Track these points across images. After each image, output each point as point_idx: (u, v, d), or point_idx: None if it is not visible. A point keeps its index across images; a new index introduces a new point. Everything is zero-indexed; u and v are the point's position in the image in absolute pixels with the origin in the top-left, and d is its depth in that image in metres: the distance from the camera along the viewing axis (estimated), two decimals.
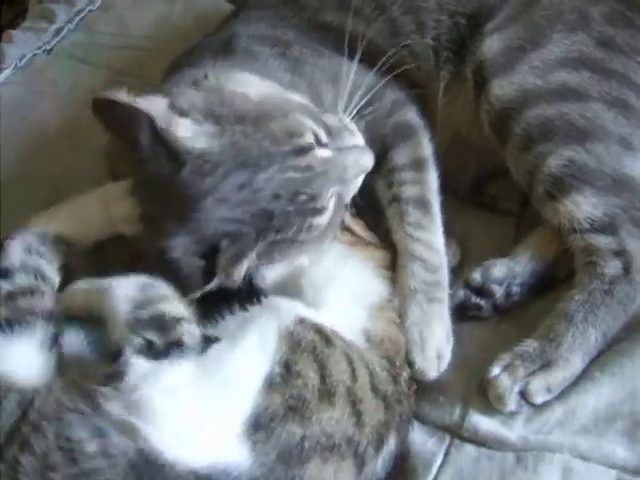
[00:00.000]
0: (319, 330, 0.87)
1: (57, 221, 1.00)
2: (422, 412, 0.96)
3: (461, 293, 1.04)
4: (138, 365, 0.81)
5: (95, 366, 0.86)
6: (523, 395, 0.92)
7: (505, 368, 0.94)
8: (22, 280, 0.92)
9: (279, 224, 0.90)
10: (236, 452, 0.77)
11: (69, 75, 1.50)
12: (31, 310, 0.89)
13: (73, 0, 1.65)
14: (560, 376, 0.93)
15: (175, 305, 0.88)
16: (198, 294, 0.90)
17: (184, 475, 0.74)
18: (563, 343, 0.94)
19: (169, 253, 0.89)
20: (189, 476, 0.75)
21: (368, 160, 0.96)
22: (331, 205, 0.94)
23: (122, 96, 0.88)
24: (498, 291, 1.03)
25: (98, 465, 0.75)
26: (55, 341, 0.88)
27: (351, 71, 1.03)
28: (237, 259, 0.91)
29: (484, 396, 0.94)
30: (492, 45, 1.10)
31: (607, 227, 0.98)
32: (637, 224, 0.99)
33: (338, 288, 0.96)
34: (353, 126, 0.99)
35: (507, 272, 1.04)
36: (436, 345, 0.97)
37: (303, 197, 0.90)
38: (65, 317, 0.92)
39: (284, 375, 0.82)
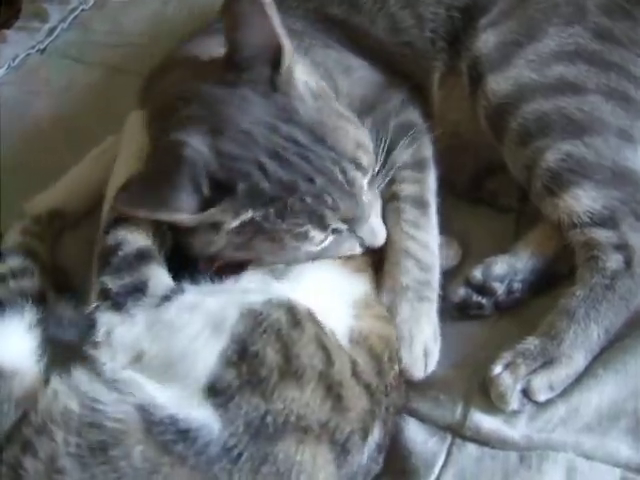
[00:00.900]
0: (289, 311, 0.86)
1: (50, 198, 1.10)
2: (423, 411, 0.95)
3: (462, 291, 1.03)
4: (105, 315, 0.85)
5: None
6: (525, 393, 0.91)
7: (507, 366, 0.93)
8: (14, 262, 0.97)
9: (289, 207, 0.89)
10: (200, 411, 0.79)
11: (63, 74, 1.49)
12: (21, 291, 0.92)
13: None
14: (563, 373, 0.92)
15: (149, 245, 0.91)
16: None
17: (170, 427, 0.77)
18: (565, 340, 0.93)
19: (180, 149, 0.88)
20: (170, 428, 0.77)
21: (381, 240, 0.98)
22: (327, 240, 0.94)
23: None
24: (499, 288, 1.02)
25: (109, 470, 0.75)
26: (44, 322, 0.90)
27: (362, 67, 1.03)
28: (239, 210, 0.89)
29: (486, 395, 0.93)
30: (487, 40, 1.09)
31: (607, 220, 0.97)
32: (638, 217, 0.98)
33: (318, 282, 0.96)
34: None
35: (508, 269, 1.03)
36: (424, 343, 0.96)
37: (327, 200, 0.90)
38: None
39: (240, 353, 0.82)
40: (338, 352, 0.86)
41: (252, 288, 0.91)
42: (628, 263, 0.96)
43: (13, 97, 1.47)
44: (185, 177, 0.88)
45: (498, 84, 1.06)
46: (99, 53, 1.52)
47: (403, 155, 1.04)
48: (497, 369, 0.93)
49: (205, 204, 0.88)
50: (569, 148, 1.00)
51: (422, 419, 0.94)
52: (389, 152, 1.03)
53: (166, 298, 0.87)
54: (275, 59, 0.90)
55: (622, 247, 0.96)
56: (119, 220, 0.92)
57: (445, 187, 1.07)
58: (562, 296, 0.97)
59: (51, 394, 0.81)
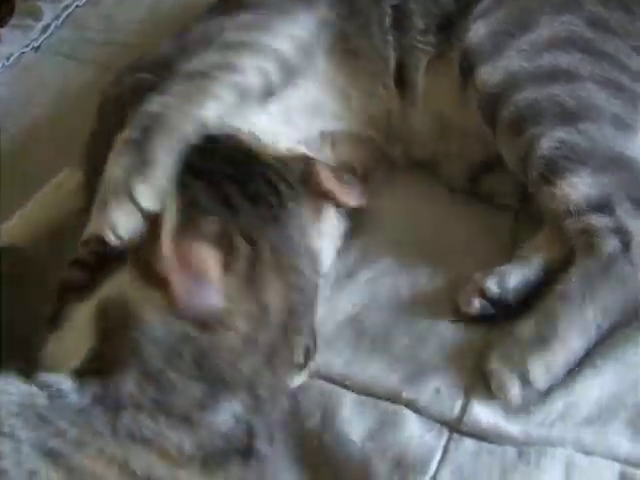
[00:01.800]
0: None
1: (6, 233, 1.10)
2: (421, 404, 0.94)
3: (477, 303, 1.00)
4: None
5: None
6: (525, 380, 0.90)
7: (503, 356, 0.92)
8: None
9: None
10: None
11: (57, 72, 1.49)
12: None
13: None
14: (559, 354, 0.91)
15: None
16: None
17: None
18: (559, 321, 0.92)
19: None
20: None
21: None
22: None
23: None
24: (513, 299, 1.00)
25: None
26: None
27: None
28: None
29: (486, 387, 0.92)
30: (478, 31, 1.08)
31: (604, 206, 0.96)
32: (635, 202, 0.97)
33: None
34: None
35: (522, 280, 1.01)
36: None
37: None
38: None
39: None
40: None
41: None
42: (625, 246, 0.95)
43: (8, 96, 1.47)
44: None
45: (489, 74, 1.05)
46: (93, 51, 1.52)
47: None
48: (494, 360, 0.92)
49: None
50: (562, 135, 0.99)
51: (419, 412, 0.93)
52: None
53: None
54: None
55: (619, 231, 0.95)
56: None
57: (441, 181, 1.06)
58: (558, 282, 0.96)
59: None
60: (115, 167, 0.91)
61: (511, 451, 0.88)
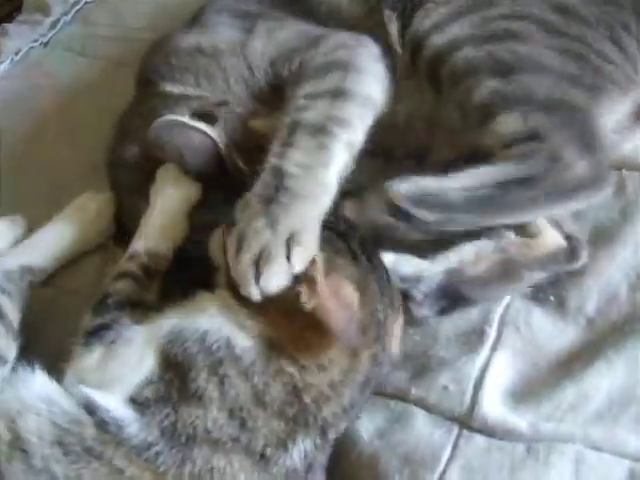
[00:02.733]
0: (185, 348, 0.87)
1: (22, 254, 1.09)
2: (430, 401, 0.94)
3: None
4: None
5: None
6: None
7: None
8: None
9: None
10: (123, 412, 0.83)
11: (66, 67, 1.49)
12: None
13: None
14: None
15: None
16: None
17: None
18: None
19: None
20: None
21: None
22: None
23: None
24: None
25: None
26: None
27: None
28: None
29: (492, 382, 0.93)
30: (430, 18, 1.08)
31: (535, 135, 0.97)
32: (571, 137, 0.97)
33: None
34: None
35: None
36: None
37: None
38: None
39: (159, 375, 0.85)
40: (235, 379, 0.85)
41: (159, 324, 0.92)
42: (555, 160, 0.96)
43: (16, 91, 1.47)
44: None
45: (437, 39, 1.06)
46: (101, 46, 1.51)
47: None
48: None
49: None
50: (496, 85, 1.01)
51: (429, 409, 0.93)
52: None
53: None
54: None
55: (548, 152, 0.96)
56: None
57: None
58: None
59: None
60: (258, 225, 0.89)
61: (520, 447, 0.88)
